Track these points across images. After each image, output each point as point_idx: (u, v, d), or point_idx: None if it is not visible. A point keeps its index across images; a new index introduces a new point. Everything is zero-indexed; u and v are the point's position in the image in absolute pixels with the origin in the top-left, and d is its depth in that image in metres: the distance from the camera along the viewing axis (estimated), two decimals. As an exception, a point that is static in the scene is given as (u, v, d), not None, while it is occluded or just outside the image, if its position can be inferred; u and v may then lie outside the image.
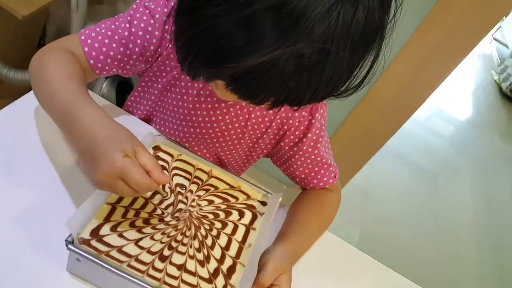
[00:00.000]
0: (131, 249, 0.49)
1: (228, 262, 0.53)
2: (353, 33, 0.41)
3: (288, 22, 0.39)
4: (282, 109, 0.69)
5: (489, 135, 3.29)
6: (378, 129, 1.53)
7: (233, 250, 0.54)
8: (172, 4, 0.60)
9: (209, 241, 0.54)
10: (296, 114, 0.69)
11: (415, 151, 2.59)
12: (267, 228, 0.59)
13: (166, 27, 0.62)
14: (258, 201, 0.63)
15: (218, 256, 0.53)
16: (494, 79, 3.95)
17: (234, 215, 0.59)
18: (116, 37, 0.61)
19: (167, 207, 0.56)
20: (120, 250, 0.48)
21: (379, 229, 1.94)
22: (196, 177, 0.62)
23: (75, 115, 0.49)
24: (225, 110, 0.68)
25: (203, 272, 0.50)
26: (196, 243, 0.53)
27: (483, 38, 1.28)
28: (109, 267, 0.46)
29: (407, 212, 2.16)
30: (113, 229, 0.50)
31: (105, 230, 0.50)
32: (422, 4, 1.23)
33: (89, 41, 0.60)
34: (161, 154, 0.62)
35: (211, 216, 0.57)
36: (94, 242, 0.48)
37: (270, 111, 0.69)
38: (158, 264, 0.49)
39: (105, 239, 0.48)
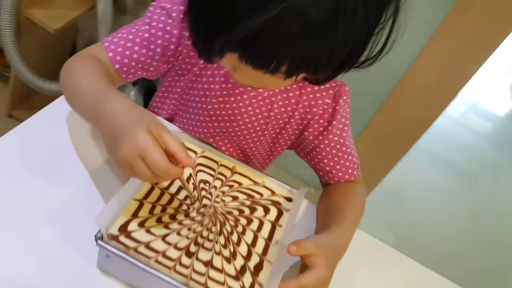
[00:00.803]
0: (159, 244, 0.49)
1: (255, 259, 0.52)
2: None
3: None
4: (305, 97, 0.68)
5: (530, 129, 3.12)
6: (410, 124, 1.49)
7: (259, 247, 0.53)
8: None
9: (235, 237, 0.53)
10: (320, 101, 0.68)
11: (451, 150, 2.49)
12: (293, 224, 0.58)
13: (184, 24, 0.63)
14: (283, 197, 0.62)
15: (244, 253, 0.52)
16: (533, 70, 3.76)
17: (259, 211, 0.58)
18: (138, 40, 0.63)
19: (192, 203, 0.57)
20: (147, 245, 0.48)
21: (415, 233, 1.86)
22: (220, 173, 0.62)
23: (104, 105, 0.50)
24: (247, 102, 0.68)
25: (230, 269, 0.50)
26: (222, 239, 0.52)
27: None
28: (137, 263, 0.46)
29: (445, 215, 2.06)
30: (141, 225, 0.51)
31: (133, 226, 0.50)
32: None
33: (112, 46, 0.63)
34: None
35: (236, 212, 0.57)
36: (122, 238, 0.48)
37: (293, 100, 0.68)
38: (185, 260, 0.49)
39: (133, 235, 0.49)
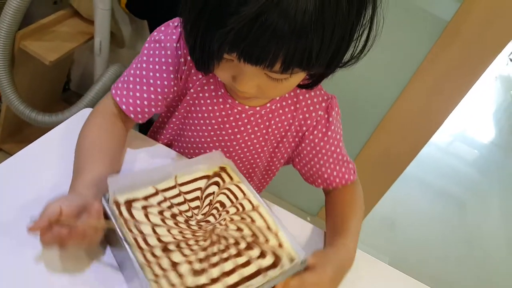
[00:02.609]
0: (146, 228, 0.52)
1: (217, 287, 0.50)
2: None
3: None
4: (300, 111, 0.71)
5: (515, 156, 3.20)
6: (397, 153, 1.52)
7: (231, 280, 0.51)
8: (180, 29, 0.65)
9: (215, 259, 0.52)
10: (313, 114, 0.72)
11: (440, 178, 2.53)
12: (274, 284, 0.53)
13: (179, 52, 0.65)
14: (288, 254, 0.56)
15: (213, 276, 0.50)
16: (514, 99, 3.89)
17: (255, 252, 0.54)
18: (138, 79, 0.66)
19: (198, 213, 0.58)
20: (137, 225, 0.52)
21: (409, 256, 1.87)
22: (241, 204, 0.61)
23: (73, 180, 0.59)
24: (246, 121, 0.71)
25: (190, 280, 0.49)
26: (202, 254, 0.52)
27: (495, 58, 1.27)
28: (118, 230, 0.50)
29: (437, 239, 2.08)
30: (144, 208, 0.55)
31: (138, 205, 0.55)
32: (433, 28, 1.25)
33: (124, 99, 0.67)
34: (223, 174, 0.63)
35: (231, 241, 0.55)
36: (123, 208, 0.53)
37: (289, 115, 0.71)
38: (158, 252, 0.50)
39: (133, 210, 0.54)
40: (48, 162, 0.64)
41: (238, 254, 0.53)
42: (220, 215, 0.58)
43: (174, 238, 0.52)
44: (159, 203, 0.56)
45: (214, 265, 0.51)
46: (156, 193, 0.57)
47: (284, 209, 0.72)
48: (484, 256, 2.10)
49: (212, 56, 0.52)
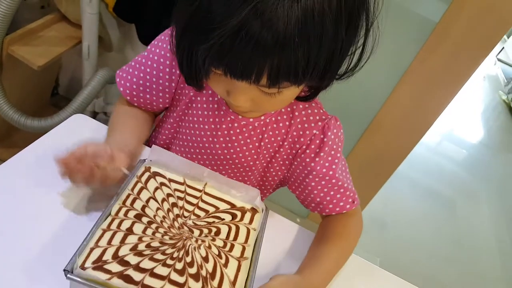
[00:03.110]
0: (139, 203, 0.57)
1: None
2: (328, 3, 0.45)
3: None
4: (294, 127, 0.69)
5: (503, 155, 3.24)
6: (388, 154, 1.53)
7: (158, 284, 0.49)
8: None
9: (162, 258, 0.51)
10: (307, 132, 0.69)
11: (429, 177, 2.55)
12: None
13: (174, 63, 0.67)
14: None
15: (147, 267, 0.49)
16: (502, 99, 3.94)
17: (197, 285, 0.50)
18: (140, 67, 0.70)
19: (192, 220, 0.58)
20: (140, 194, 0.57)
21: (399, 256, 1.89)
22: (232, 245, 0.57)
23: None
24: (238, 131, 0.70)
25: (132, 258, 0.49)
26: (158, 251, 0.52)
27: (484, 58, 1.29)
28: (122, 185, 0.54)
29: (427, 238, 2.11)
30: (159, 186, 0.60)
31: (158, 180, 0.61)
32: (421, 29, 1.26)
33: (122, 82, 0.72)
34: (246, 214, 0.63)
35: (188, 259, 0.52)
36: (146, 175, 0.60)
37: (283, 130, 0.70)
38: (126, 223, 0.53)
39: (150, 181, 0.59)
40: (40, 167, 0.64)
41: (182, 272, 0.50)
42: (206, 236, 0.56)
43: (147, 224, 0.54)
44: (175, 190, 0.61)
45: (160, 263, 0.50)
46: (182, 184, 0.62)
47: (274, 211, 0.72)
48: (474, 254, 2.13)
49: (200, 72, 0.52)
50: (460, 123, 3.38)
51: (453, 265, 2.01)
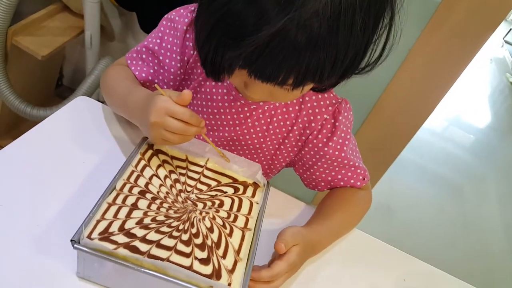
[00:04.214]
0: (142, 180, 0.57)
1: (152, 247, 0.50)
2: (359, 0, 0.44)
3: None
4: (304, 112, 0.69)
5: (510, 137, 3.21)
6: (391, 138, 1.53)
7: (163, 253, 0.49)
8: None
9: (165, 229, 0.52)
10: (318, 117, 0.69)
11: (436, 163, 2.54)
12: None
13: (188, 35, 0.66)
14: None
15: (153, 239, 0.50)
16: (510, 81, 3.90)
17: (202, 254, 0.51)
18: (150, 51, 0.70)
19: (195, 194, 0.59)
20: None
21: (405, 241, 1.89)
22: (236, 216, 0.58)
23: (130, 96, 0.64)
24: (248, 114, 0.70)
25: (138, 230, 0.50)
26: (164, 223, 0.53)
27: (487, 39, 1.27)
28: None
29: (434, 224, 2.10)
30: (162, 164, 0.60)
31: (161, 157, 0.60)
32: (423, 10, 1.25)
33: (138, 68, 0.72)
34: (249, 188, 0.64)
35: (194, 230, 0.54)
36: (149, 152, 0.60)
37: (292, 115, 0.70)
38: (131, 199, 0.54)
39: (153, 158, 0.59)
40: (47, 146, 0.66)
41: (188, 242, 0.51)
42: (210, 208, 0.58)
43: (151, 200, 0.55)
44: (177, 167, 0.62)
45: (166, 235, 0.51)
46: (183, 161, 0.63)
47: (279, 197, 0.73)
48: (481, 238, 2.12)
49: (223, 71, 0.51)
50: (467, 106, 3.35)
51: (460, 250, 2.01)
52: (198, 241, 0.52)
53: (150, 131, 0.56)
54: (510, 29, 4.57)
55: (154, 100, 0.55)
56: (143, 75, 0.71)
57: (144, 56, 0.70)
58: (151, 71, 0.71)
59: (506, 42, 4.58)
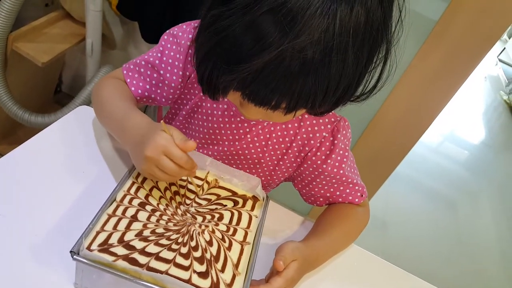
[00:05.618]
0: (142, 191, 0.56)
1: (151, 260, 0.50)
2: (354, 31, 0.44)
3: (286, 20, 0.43)
4: (303, 130, 0.70)
5: (504, 154, 3.25)
6: (387, 154, 1.53)
7: (162, 266, 0.49)
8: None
9: (165, 242, 0.52)
10: (317, 134, 0.70)
11: (431, 178, 2.56)
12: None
13: (190, 51, 0.67)
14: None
15: (152, 251, 0.50)
16: (503, 99, 3.95)
17: (201, 268, 0.51)
18: (150, 65, 0.69)
19: (194, 207, 0.59)
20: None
21: (400, 255, 1.89)
22: (235, 229, 0.59)
23: (128, 119, 0.61)
24: (247, 130, 0.70)
25: (137, 242, 0.51)
26: (163, 236, 0.53)
27: (483, 58, 1.29)
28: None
29: (428, 238, 2.11)
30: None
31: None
32: (421, 28, 1.27)
33: (134, 82, 0.70)
34: (248, 202, 0.64)
35: (193, 243, 0.54)
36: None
37: (291, 132, 0.71)
38: (131, 211, 0.54)
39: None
40: (47, 156, 0.66)
41: (187, 256, 0.51)
42: (209, 221, 0.57)
43: (151, 212, 0.55)
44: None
45: (165, 247, 0.51)
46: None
47: (275, 209, 0.73)
48: (475, 254, 2.13)
49: (218, 91, 0.52)
50: (462, 123, 3.38)
51: (454, 265, 2.01)
52: (197, 254, 0.52)
53: (141, 163, 0.55)
54: (504, 48, 4.64)
55: (154, 135, 0.53)
56: (139, 91, 0.70)
57: (142, 70, 0.70)
58: (148, 86, 0.70)
59: (500, 60, 4.65)
